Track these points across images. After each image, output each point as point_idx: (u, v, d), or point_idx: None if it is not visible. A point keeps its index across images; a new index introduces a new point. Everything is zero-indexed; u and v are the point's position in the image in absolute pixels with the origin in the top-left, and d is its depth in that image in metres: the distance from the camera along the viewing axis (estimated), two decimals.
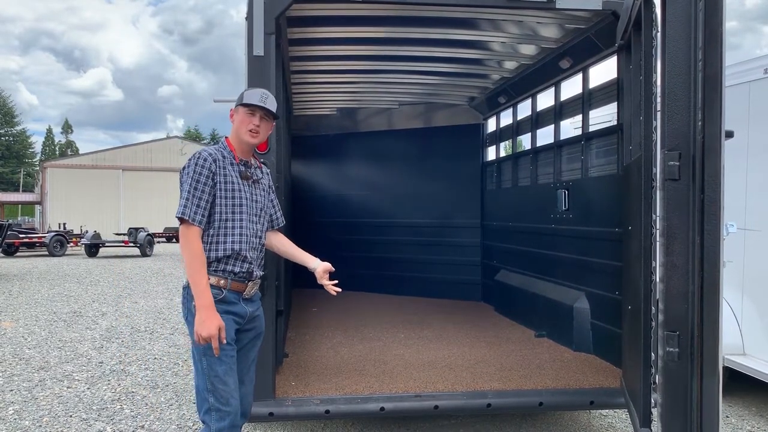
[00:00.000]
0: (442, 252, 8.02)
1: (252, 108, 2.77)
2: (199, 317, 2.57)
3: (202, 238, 2.68)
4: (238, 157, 2.81)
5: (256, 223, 2.86)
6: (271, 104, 2.81)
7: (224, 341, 2.61)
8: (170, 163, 38.06)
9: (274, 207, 3.06)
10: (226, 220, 2.72)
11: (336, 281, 2.99)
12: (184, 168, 2.70)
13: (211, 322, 2.56)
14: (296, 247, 3.17)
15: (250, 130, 2.78)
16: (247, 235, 2.78)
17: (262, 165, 3.04)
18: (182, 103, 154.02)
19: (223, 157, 2.75)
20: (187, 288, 2.70)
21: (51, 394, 5.27)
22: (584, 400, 3.93)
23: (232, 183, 2.74)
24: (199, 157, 2.68)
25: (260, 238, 2.91)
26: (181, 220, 2.63)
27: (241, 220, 2.76)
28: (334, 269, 3.02)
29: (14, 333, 7.93)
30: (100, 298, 11.25)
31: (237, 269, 2.75)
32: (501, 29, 5.05)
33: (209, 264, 2.69)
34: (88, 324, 8.59)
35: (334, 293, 2.99)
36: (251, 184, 2.83)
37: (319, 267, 3.01)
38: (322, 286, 3.01)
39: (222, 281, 2.72)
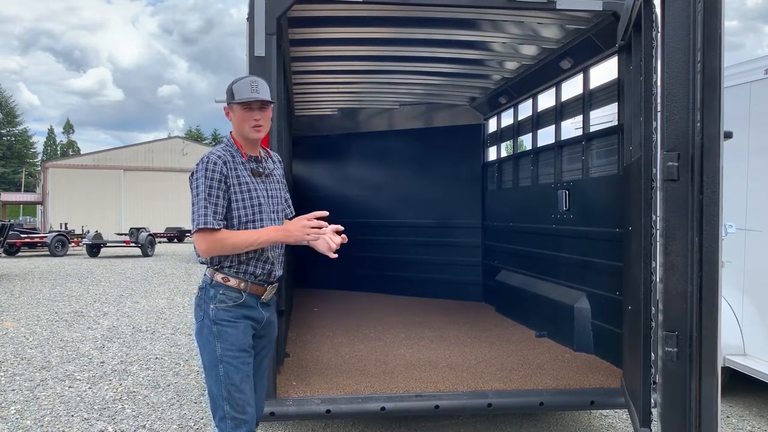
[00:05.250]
0: (443, 252, 8.02)
1: (247, 103, 2.66)
2: (284, 234, 2.64)
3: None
4: (246, 154, 2.71)
5: (275, 220, 2.77)
6: (264, 91, 2.66)
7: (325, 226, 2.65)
8: (172, 164, 38.07)
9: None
10: (246, 222, 2.64)
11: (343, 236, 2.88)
12: (193, 174, 2.61)
13: (294, 228, 2.64)
14: None
15: (253, 126, 2.67)
16: None
17: (272, 154, 2.93)
18: (182, 103, 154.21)
19: (233, 157, 2.65)
20: (203, 289, 2.66)
21: (52, 393, 5.29)
22: (585, 400, 3.94)
23: (247, 183, 2.65)
24: (208, 161, 2.58)
25: None
26: (204, 230, 2.54)
27: (261, 220, 2.68)
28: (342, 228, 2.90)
29: (16, 333, 7.96)
30: (101, 298, 11.27)
31: (258, 271, 2.68)
32: (502, 30, 5.05)
33: (230, 266, 2.64)
34: (90, 324, 8.61)
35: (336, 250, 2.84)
36: (264, 179, 2.75)
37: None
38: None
39: (242, 284, 2.65)
